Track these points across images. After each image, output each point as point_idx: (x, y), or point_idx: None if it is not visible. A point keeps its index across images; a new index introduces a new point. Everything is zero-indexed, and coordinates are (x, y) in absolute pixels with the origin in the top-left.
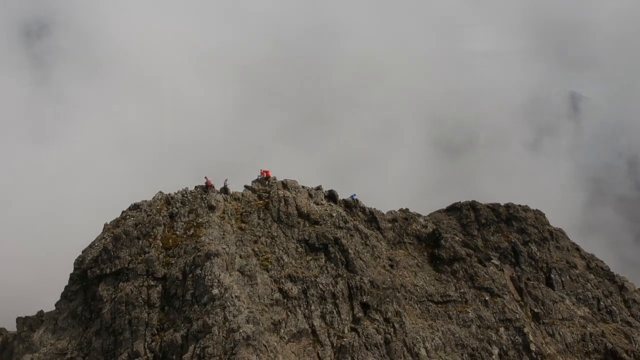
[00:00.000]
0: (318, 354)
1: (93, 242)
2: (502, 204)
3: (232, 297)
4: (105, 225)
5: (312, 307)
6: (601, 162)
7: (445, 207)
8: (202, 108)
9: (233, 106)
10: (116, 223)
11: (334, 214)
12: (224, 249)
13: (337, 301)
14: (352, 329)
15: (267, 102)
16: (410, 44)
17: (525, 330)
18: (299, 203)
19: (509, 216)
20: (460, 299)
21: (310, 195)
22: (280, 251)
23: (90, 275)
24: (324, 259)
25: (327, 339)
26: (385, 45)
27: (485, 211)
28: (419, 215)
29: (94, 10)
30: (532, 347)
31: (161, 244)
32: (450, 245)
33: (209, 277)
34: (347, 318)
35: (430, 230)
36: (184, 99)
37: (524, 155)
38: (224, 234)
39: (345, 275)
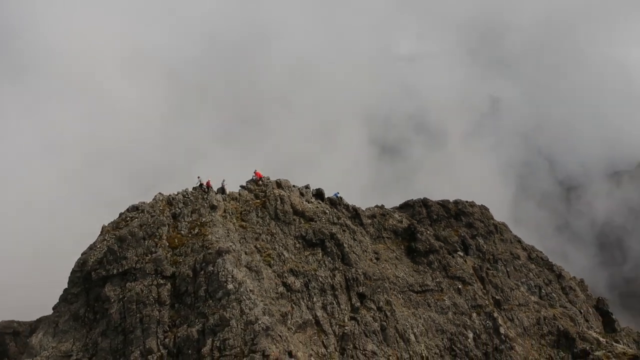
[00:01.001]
0: (323, 342)
1: (94, 245)
2: (451, 201)
3: (247, 291)
4: (104, 227)
5: (314, 299)
6: (523, 160)
7: (398, 205)
8: (134, 110)
9: (166, 108)
10: (116, 225)
11: (327, 211)
12: (231, 246)
13: (336, 292)
14: (352, 318)
15: (201, 104)
16: (343, 45)
17: (495, 315)
18: (293, 201)
19: (457, 212)
20: (436, 288)
21: (301, 194)
22: (280, 247)
23: (95, 276)
24: (321, 254)
25: (330, 328)
26: (319, 47)
27: (436, 207)
28: (394, 211)
29: (20, 9)
30: (502, 330)
31: (167, 244)
32: (426, 238)
33: (223, 273)
34: (346, 308)
35: (406, 225)
36: (114, 100)
37: (453, 153)
38: (228, 232)
39: (341, 268)
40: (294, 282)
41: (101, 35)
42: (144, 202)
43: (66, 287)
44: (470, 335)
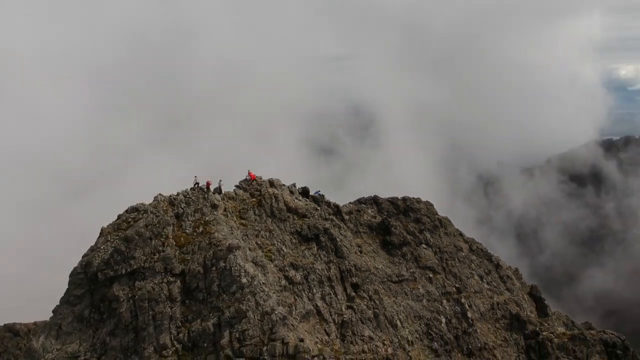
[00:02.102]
0: (325, 330)
1: (96, 246)
2: (399, 197)
3: (260, 284)
4: (103, 229)
5: (314, 291)
6: (446, 157)
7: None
8: (58, 113)
9: (92, 110)
10: (117, 226)
11: (318, 208)
12: (237, 242)
13: (333, 284)
14: (348, 307)
15: (129, 106)
16: (271, 46)
17: (462, 301)
18: (286, 199)
19: (406, 208)
20: (411, 278)
21: (291, 192)
22: (279, 243)
23: (102, 277)
24: (316, 248)
25: (330, 317)
26: (246, 49)
27: (386, 204)
28: (367, 208)
29: None
30: (469, 315)
31: (174, 243)
32: (399, 232)
33: (235, 268)
34: (342, 298)
35: (379, 220)
36: (36, 103)
37: (384, 152)
38: (231, 230)
39: (335, 261)
40: (295, 275)
41: (16, 35)
42: (142, 204)
43: (67, 289)
44: (443, 320)
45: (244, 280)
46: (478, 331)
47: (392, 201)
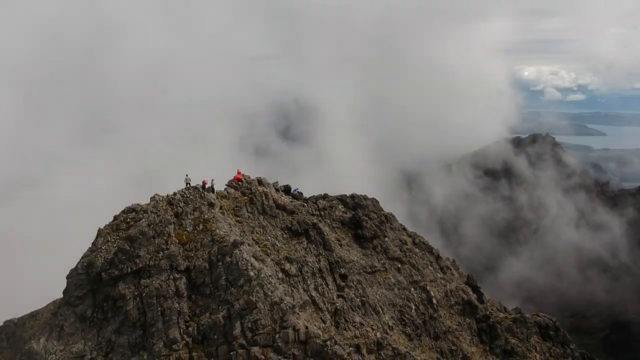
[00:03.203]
0: (321, 318)
1: (96, 247)
2: (348, 195)
3: (267, 277)
4: (101, 230)
5: (308, 282)
6: (370, 155)
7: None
8: None
9: (13, 112)
10: (116, 227)
11: (305, 204)
12: (241, 238)
13: (323, 275)
14: (339, 296)
15: (52, 108)
16: (196, 46)
17: (428, 288)
18: (274, 197)
19: (354, 205)
20: (382, 269)
21: (277, 190)
22: (272, 238)
23: (106, 277)
24: (305, 242)
25: (324, 306)
26: (172, 48)
27: (336, 201)
28: (337, 203)
29: None
30: (434, 301)
31: (177, 241)
32: (370, 226)
33: (242, 263)
34: (333, 288)
35: (350, 215)
36: None
37: (309, 151)
38: (230, 227)
39: (324, 254)
40: (290, 268)
41: None
42: (138, 204)
43: (65, 290)
44: (413, 306)
45: (251, 273)
46: (442, 316)
47: (341, 198)
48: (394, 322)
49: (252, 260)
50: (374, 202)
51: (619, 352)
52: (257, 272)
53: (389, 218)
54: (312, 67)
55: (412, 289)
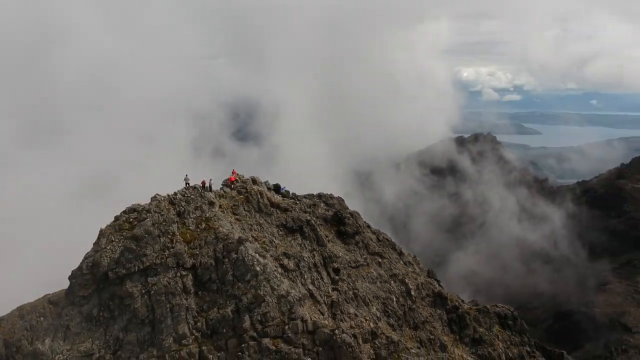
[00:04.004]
0: (319, 310)
1: (100, 247)
2: (315, 194)
3: (272, 271)
4: (103, 230)
5: (305, 276)
6: (322, 155)
7: None
8: None
9: None
10: (118, 227)
11: (298, 202)
12: (245, 236)
13: (318, 269)
14: (334, 289)
15: None
16: (142, 46)
17: (406, 281)
18: (268, 195)
19: (322, 203)
20: (364, 263)
21: (268, 189)
22: (269, 235)
23: (113, 276)
24: (300, 238)
25: (321, 299)
26: (116, 48)
27: (317, 200)
28: (320, 202)
29: None
30: (412, 293)
31: (181, 239)
32: (353, 222)
33: (248, 259)
34: (328, 281)
35: (332, 212)
36: None
37: (260, 150)
38: (231, 225)
39: (318, 249)
40: (288, 263)
41: None
42: (139, 204)
43: (69, 291)
44: (394, 298)
45: (257, 268)
46: (419, 307)
47: (309, 198)
48: (380, 313)
49: (257, 256)
50: (340, 200)
51: (561, 341)
52: (262, 267)
53: (354, 216)
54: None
55: (392, 282)
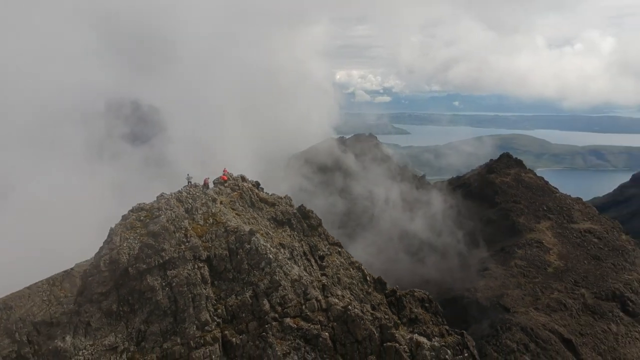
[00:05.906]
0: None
1: (115, 245)
2: None
3: (284, 258)
4: (113, 229)
5: (299, 264)
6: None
7: None
8: None
9: None
10: (130, 225)
11: (282, 197)
12: (254, 228)
13: (307, 257)
14: (322, 274)
15: None
16: (15, 45)
17: (362, 267)
18: (256, 191)
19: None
20: (328, 252)
21: (253, 185)
22: (264, 227)
23: (133, 271)
24: (289, 230)
25: (315, 283)
26: None
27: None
28: (280, 200)
29: None
30: (368, 279)
31: (194, 233)
32: (315, 216)
33: (261, 248)
34: (316, 267)
35: (295, 208)
36: None
37: (151, 150)
38: (234, 219)
39: (305, 240)
40: (285, 253)
41: None
42: (145, 203)
43: (85, 290)
44: (356, 284)
45: (270, 256)
46: (371, 292)
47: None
48: (354, 296)
49: (268, 245)
50: (287, 199)
51: (452, 324)
52: (274, 255)
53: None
54: (145, 67)
55: (351, 269)
